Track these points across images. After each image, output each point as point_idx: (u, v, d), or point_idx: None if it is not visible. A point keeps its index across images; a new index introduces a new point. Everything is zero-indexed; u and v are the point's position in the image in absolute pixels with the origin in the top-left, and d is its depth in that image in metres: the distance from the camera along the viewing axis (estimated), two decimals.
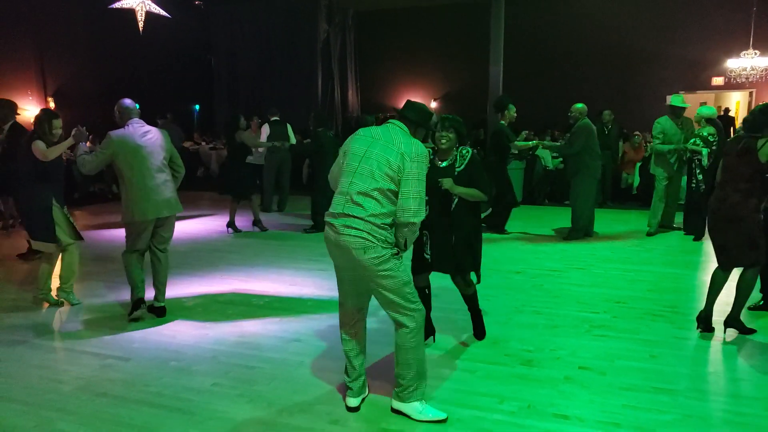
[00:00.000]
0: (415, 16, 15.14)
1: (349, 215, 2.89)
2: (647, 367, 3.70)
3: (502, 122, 7.47)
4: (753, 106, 13.19)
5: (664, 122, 7.34)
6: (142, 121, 4.48)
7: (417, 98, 16.40)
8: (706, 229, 4.33)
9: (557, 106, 10.69)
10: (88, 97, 11.80)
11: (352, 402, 3.21)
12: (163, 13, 9.53)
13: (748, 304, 4.65)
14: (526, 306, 4.91)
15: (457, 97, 14.98)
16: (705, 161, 6.82)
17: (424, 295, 3.90)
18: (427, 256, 3.79)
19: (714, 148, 6.76)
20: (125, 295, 4.89)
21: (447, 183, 3.65)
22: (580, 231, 7.37)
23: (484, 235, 6.58)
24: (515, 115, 7.49)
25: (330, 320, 4.47)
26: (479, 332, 4.20)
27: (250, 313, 4.77)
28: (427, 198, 3.19)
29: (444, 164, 3.74)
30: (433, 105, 15.52)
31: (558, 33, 13.98)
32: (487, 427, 3.03)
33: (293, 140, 9.26)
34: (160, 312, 4.66)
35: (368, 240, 2.86)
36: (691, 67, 13.36)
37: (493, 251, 6.84)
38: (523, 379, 3.58)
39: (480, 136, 11.59)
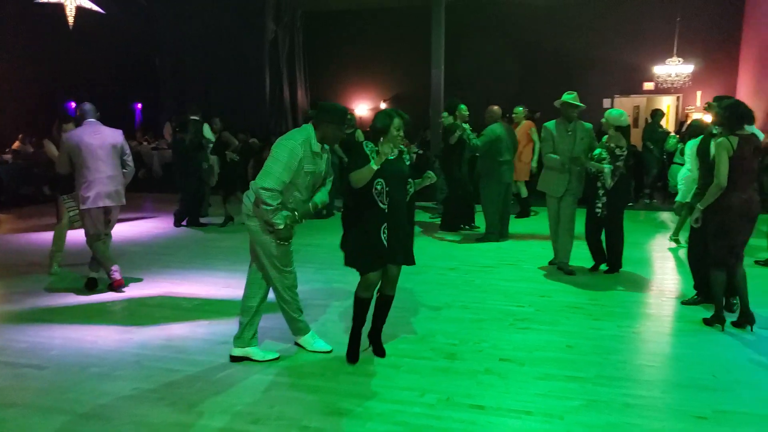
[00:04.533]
0: (363, 18, 15.22)
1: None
2: (563, 357, 3.88)
3: (457, 121, 7.72)
4: (680, 111, 13.95)
5: (552, 127, 5.84)
6: (96, 122, 5.21)
7: (367, 99, 16.54)
8: (725, 230, 4.25)
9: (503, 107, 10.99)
10: (23, 97, 11.34)
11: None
12: (95, 8, 9.22)
13: (682, 299, 4.94)
14: (456, 301, 5.04)
15: (405, 99, 15.12)
16: (608, 181, 5.49)
17: (366, 306, 3.77)
18: (385, 244, 3.63)
19: (619, 164, 5.50)
20: (46, 301, 4.76)
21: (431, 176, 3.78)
22: (493, 234, 7.28)
23: (426, 232, 6.66)
24: (467, 114, 7.79)
25: (261, 322, 4.46)
26: (379, 348, 3.92)
27: (178, 317, 4.71)
28: (387, 189, 3.58)
29: (392, 157, 3.67)
30: (383, 106, 15.64)
31: (499, 37, 14.33)
32: (405, 420, 3.11)
33: (212, 140, 9.18)
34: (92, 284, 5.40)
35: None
36: (625, 72, 13.94)
37: (432, 248, 7.00)
38: (445, 372, 3.68)
39: (427, 137, 11.78)
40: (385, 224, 3.60)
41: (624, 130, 5.58)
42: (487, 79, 14.10)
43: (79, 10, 8.96)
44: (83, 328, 4.47)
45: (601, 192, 5.54)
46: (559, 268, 5.88)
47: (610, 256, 5.81)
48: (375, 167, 3.46)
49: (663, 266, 6.31)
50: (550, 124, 5.82)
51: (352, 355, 3.81)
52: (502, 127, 7.18)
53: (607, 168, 5.47)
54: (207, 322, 4.59)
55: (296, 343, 4.05)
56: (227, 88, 14.21)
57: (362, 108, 15.66)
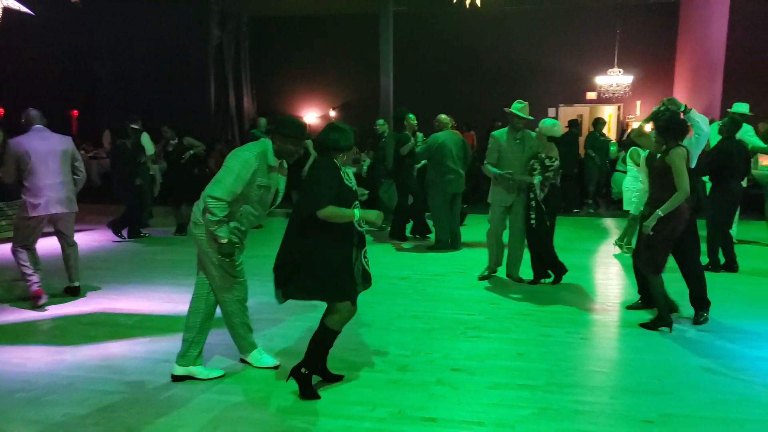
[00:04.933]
0: (311, 24, 15.11)
1: None
2: (513, 365, 3.87)
3: (406, 131, 7.76)
4: (621, 119, 14.48)
5: (500, 136, 5.72)
6: (43, 128, 5.13)
7: (316, 107, 16.39)
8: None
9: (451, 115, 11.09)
10: None
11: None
12: (24, 9, 8.72)
13: (627, 304, 5.05)
14: (408, 311, 4.99)
15: (354, 107, 15.09)
16: (539, 192, 5.45)
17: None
18: (367, 269, 3.46)
19: (549, 174, 5.43)
20: None
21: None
22: (443, 244, 7.21)
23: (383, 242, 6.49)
24: (415, 123, 7.81)
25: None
26: (332, 376, 3.64)
27: (116, 334, 4.46)
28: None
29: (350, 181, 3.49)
30: (332, 114, 15.55)
31: (447, 46, 14.54)
32: None
33: (151, 150, 8.88)
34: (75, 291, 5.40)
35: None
36: (569, 82, 14.39)
37: (384, 257, 6.93)
38: (397, 384, 3.61)
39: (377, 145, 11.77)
40: (365, 249, 3.44)
41: (559, 140, 5.59)
42: (436, 87, 14.25)
43: (6, 11, 8.44)
44: (10, 349, 4.16)
45: (533, 203, 5.51)
46: (509, 275, 5.92)
47: (545, 267, 5.72)
48: (357, 219, 3.25)
49: (608, 272, 6.47)
50: (498, 133, 5.78)
51: (314, 394, 3.42)
52: (448, 136, 7.07)
53: (536, 179, 5.43)
54: (147, 339, 4.37)
55: (242, 360, 3.89)
56: (171, 94, 13.77)
57: (311, 116, 15.52)
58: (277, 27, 15.29)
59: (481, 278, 5.92)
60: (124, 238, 8.00)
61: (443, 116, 7.32)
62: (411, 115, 7.80)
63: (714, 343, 4.23)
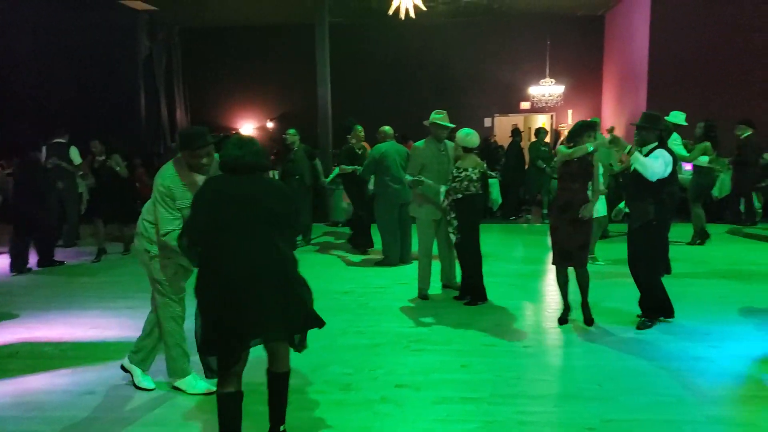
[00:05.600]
0: (247, 34, 14.81)
1: None
2: (458, 378, 3.83)
3: (352, 141, 7.70)
4: (554, 128, 14.95)
5: (422, 147, 5.58)
6: None
7: (253, 118, 16.05)
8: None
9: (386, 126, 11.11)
10: None
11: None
12: None
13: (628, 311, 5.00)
14: (351, 326, 4.87)
15: (293, 118, 14.83)
16: (440, 200, 5.38)
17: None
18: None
19: (455, 185, 5.24)
20: None
21: None
22: (392, 258, 6.97)
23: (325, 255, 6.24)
24: (362, 134, 7.77)
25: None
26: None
27: (35, 367, 4.11)
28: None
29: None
30: (270, 125, 15.28)
31: (386, 57, 14.60)
32: None
33: (77, 161, 8.38)
34: None
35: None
36: (504, 92, 14.73)
37: (326, 272, 6.79)
38: (340, 405, 3.49)
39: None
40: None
41: (477, 150, 5.47)
42: (373, 98, 14.27)
43: None
44: None
45: (451, 215, 5.32)
46: (447, 286, 5.89)
47: (464, 286, 5.49)
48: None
49: (547, 278, 6.57)
50: (420, 144, 5.63)
51: None
52: (391, 147, 7.01)
53: (442, 188, 5.33)
54: (70, 370, 4.05)
55: (174, 387, 3.67)
56: (98, 106, 13.14)
57: (248, 127, 15.19)
58: (211, 37, 14.89)
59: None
60: (29, 269, 7.13)
61: (387, 128, 7.27)
62: (358, 126, 7.72)
63: (652, 345, 4.33)
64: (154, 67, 13.91)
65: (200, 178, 3.35)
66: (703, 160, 7.49)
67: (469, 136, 5.33)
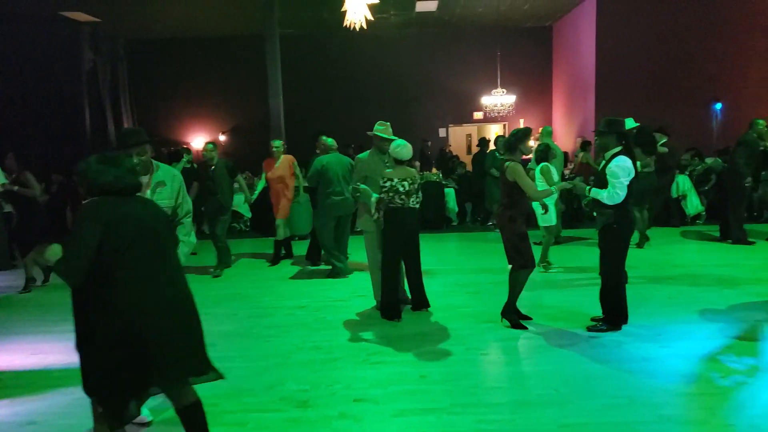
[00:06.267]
0: (196, 46, 14.57)
1: None
2: (417, 389, 3.79)
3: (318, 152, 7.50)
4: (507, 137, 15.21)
5: (366, 159, 5.58)
6: None
7: (204, 132, 15.74)
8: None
9: (341, 138, 11.08)
10: None
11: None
12: None
13: (583, 314, 5.11)
14: (307, 341, 4.77)
15: (245, 130, 14.68)
16: (372, 211, 5.34)
17: None
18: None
19: (383, 195, 5.17)
20: None
21: None
22: (339, 268, 6.97)
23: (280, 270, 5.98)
24: (328, 144, 7.51)
25: (79, 392, 3.80)
26: None
27: None
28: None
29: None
30: (222, 138, 15.02)
31: (339, 68, 14.60)
32: None
33: (2, 180, 7.85)
34: None
35: None
36: (458, 102, 14.95)
37: (281, 287, 6.66)
38: (296, 423, 3.40)
39: None
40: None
41: (409, 161, 5.30)
42: (327, 109, 14.23)
43: None
44: None
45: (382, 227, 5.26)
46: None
47: (412, 292, 5.41)
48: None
49: (504, 283, 6.60)
50: (364, 155, 5.61)
51: None
52: (332, 158, 6.91)
53: (373, 197, 5.26)
54: (8, 401, 3.82)
55: None
56: (41, 120, 12.62)
57: (199, 141, 14.90)
58: (159, 49, 14.57)
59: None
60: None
61: (329, 139, 7.21)
62: (324, 137, 7.40)
63: (605, 348, 4.40)
64: (99, 80, 13.47)
65: None
66: (638, 165, 7.69)
67: (399, 147, 5.16)
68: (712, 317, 5.03)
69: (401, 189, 5.08)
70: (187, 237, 3.53)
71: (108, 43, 13.75)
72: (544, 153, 6.67)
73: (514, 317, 4.94)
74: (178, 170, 4.06)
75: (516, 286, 4.88)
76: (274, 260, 7.95)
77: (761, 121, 8.01)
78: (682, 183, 9.85)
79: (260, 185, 8.31)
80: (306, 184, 7.60)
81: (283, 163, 7.69)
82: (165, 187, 3.52)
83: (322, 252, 7.42)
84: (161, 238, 2.60)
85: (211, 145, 7.35)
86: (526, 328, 4.88)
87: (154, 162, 3.57)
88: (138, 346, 2.45)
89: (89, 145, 12.99)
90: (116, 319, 2.45)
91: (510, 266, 4.88)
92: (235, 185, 7.65)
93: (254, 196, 8.52)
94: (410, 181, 5.11)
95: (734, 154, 8.18)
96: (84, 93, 13.00)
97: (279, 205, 7.68)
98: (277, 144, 7.81)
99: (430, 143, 14.15)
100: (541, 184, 6.34)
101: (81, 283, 2.51)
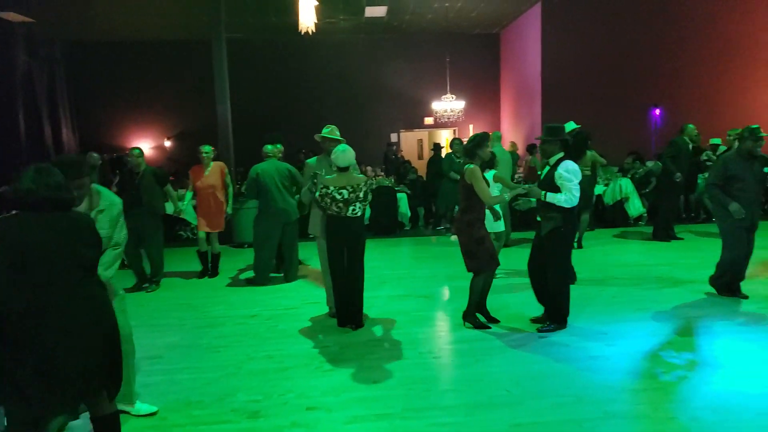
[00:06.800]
0: (138, 50, 14.13)
1: None
2: (370, 395, 3.77)
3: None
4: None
5: (315, 164, 5.44)
6: None
7: (149, 137, 15.27)
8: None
9: (293, 143, 10.99)
10: None
11: None
12: None
13: (530, 316, 5.18)
14: (258, 351, 4.67)
15: (191, 136, 14.26)
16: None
17: None
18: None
19: (323, 204, 5.01)
20: None
21: None
22: (262, 277, 6.86)
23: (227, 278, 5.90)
24: (274, 150, 7.30)
25: None
26: None
27: None
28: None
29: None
30: (167, 144, 14.62)
31: (289, 73, 14.48)
32: None
33: None
34: None
35: None
36: (409, 107, 15.08)
37: (231, 296, 6.51)
38: None
39: None
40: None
41: (362, 168, 5.27)
42: (277, 114, 14.08)
43: None
44: None
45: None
46: None
47: (348, 309, 5.15)
48: None
49: (457, 287, 6.67)
50: (313, 161, 5.53)
51: None
52: (268, 166, 6.76)
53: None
54: None
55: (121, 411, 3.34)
56: None
57: (144, 147, 14.44)
58: (100, 53, 14.05)
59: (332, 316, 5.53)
60: None
61: (268, 146, 6.98)
62: (268, 146, 7.06)
63: (554, 347, 4.50)
64: (35, 84, 12.87)
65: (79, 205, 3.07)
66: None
67: (336, 153, 4.93)
68: (653, 315, 5.23)
69: (338, 197, 4.86)
70: (102, 269, 3.08)
71: (44, 46, 13.16)
72: (490, 161, 6.79)
73: (476, 320, 4.98)
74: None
75: (474, 289, 4.92)
76: (201, 273, 7.46)
77: (691, 126, 8.68)
78: (624, 186, 10.24)
79: (188, 196, 7.43)
80: (241, 192, 7.30)
81: (214, 171, 7.14)
82: (103, 213, 3.33)
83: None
84: (78, 259, 2.45)
85: (137, 151, 6.71)
86: (489, 327, 4.95)
87: (94, 188, 3.40)
88: (58, 377, 2.37)
89: (26, 154, 12.38)
90: (28, 347, 2.35)
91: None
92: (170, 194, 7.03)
93: (186, 205, 7.67)
94: (351, 189, 4.87)
95: (663, 153, 8.78)
96: (18, 98, 12.37)
97: (206, 217, 7.13)
98: (207, 149, 7.16)
99: (395, 147, 14.17)
100: (496, 191, 6.45)
101: None
